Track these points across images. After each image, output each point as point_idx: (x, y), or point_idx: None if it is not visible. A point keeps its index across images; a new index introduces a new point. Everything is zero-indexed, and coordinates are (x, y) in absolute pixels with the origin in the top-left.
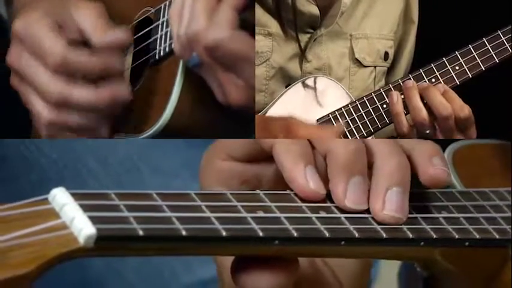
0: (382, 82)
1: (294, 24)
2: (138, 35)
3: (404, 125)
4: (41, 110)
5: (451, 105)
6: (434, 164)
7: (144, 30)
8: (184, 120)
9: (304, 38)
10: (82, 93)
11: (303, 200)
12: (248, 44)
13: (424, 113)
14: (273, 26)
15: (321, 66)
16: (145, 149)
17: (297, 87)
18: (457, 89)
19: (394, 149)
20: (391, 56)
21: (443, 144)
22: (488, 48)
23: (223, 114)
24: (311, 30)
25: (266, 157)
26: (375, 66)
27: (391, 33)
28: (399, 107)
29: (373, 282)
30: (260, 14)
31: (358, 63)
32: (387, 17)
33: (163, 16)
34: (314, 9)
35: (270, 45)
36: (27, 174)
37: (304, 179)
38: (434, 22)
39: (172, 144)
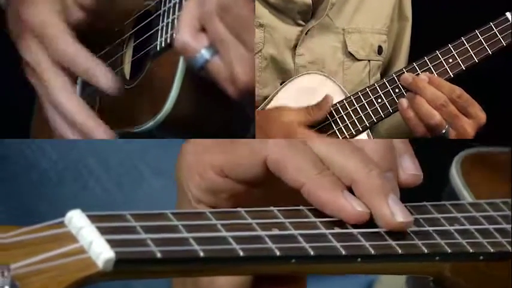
0: (377, 76)
1: None
2: (138, 27)
3: (420, 129)
4: (47, 108)
5: (442, 91)
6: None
7: (144, 22)
8: (185, 112)
9: (295, 30)
10: (70, 104)
11: (317, 216)
12: (251, 9)
13: (437, 117)
14: (265, 16)
15: (314, 60)
16: (146, 149)
17: (292, 84)
18: None
19: (369, 163)
20: (385, 50)
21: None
22: (480, 40)
23: (224, 105)
24: (303, 23)
25: (266, 179)
26: (369, 60)
27: (384, 27)
28: (410, 112)
29: (373, 283)
30: None
31: (352, 56)
32: (380, 12)
33: (164, 6)
34: None
35: (262, 36)
36: (28, 174)
37: (350, 205)
38: (427, 15)
39: (173, 144)
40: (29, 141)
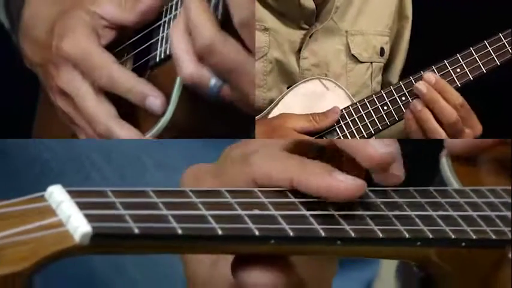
0: (379, 78)
1: None
2: (138, 37)
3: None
4: (88, 133)
5: (447, 96)
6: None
7: (145, 31)
8: (184, 121)
9: (299, 34)
10: (126, 134)
11: (299, 197)
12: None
13: (443, 135)
14: (269, 20)
15: (318, 63)
16: (150, 144)
17: (298, 90)
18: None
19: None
20: (386, 51)
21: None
22: (489, 50)
23: (223, 115)
24: (306, 26)
25: None
26: (371, 62)
27: (386, 28)
28: (414, 125)
29: (373, 281)
30: (257, 8)
31: (355, 59)
32: (382, 13)
33: (165, 17)
34: (310, 4)
35: (267, 40)
36: (30, 168)
37: (338, 181)
38: (435, 24)
39: (177, 140)
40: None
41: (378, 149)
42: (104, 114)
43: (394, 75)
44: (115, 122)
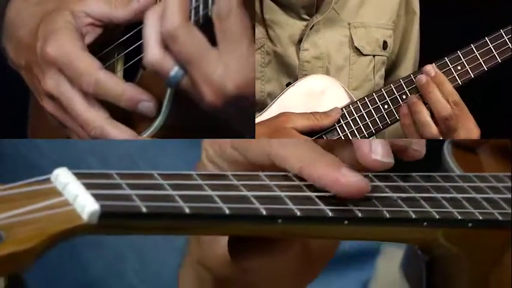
0: (382, 72)
1: None
2: (129, 35)
3: (413, 137)
4: (81, 135)
5: (442, 88)
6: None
7: (136, 30)
8: (179, 120)
9: (300, 25)
10: (121, 135)
11: (301, 180)
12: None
13: (434, 130)
14: (268, 11)
15: (319, 55)
16: (145, 147)
17: (297, 87)
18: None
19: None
20: (390, 45)
21: None
22: (490, 47)
23: (222, 114)
24: (307, 17)
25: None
26: (374, 55)
27: (389, 22)
28: (408, 119)
29: (369, 282)
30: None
31: (358, 51)
32: (384, 6)
33: None
34: None
35: (264, 31)
36: (27, 174)
37: (343, 176)
38: (436, 22)
39: (172, 142)
40: (27, 140)
41: (375, 154)
42: (96, 118)
43: (406, 73)
44: (109, 124)
